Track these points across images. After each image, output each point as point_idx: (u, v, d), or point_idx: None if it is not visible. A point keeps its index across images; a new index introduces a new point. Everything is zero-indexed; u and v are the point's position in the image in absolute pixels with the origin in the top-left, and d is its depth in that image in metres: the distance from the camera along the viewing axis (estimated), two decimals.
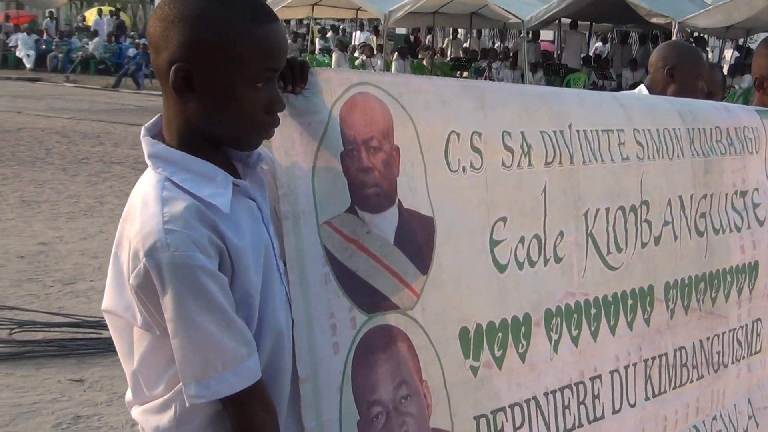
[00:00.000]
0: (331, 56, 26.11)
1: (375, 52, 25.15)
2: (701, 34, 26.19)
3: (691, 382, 3.10)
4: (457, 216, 2.29)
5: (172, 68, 1.82)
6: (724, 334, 3.26)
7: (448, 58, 28.56)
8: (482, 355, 2.34)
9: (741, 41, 26.29)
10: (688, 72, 4.20)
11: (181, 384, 1.82)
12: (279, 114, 1.93)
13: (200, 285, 1.76)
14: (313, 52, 28.91)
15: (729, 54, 26.58)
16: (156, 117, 1.96)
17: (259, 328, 1.89)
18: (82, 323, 6.17)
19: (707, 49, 25.80)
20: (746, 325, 3.40)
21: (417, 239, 2.18)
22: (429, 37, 31.16)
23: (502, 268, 2.40)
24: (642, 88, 4.35)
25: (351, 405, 2.02)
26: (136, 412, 1.96)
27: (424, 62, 26.59)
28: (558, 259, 2.57)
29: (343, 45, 26.72)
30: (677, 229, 3.02)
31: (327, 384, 1.98)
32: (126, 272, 1.81)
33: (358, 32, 30.27)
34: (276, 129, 1.95)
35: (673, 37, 19.65)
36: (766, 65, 3.82)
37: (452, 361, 2.26)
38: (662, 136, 2.98)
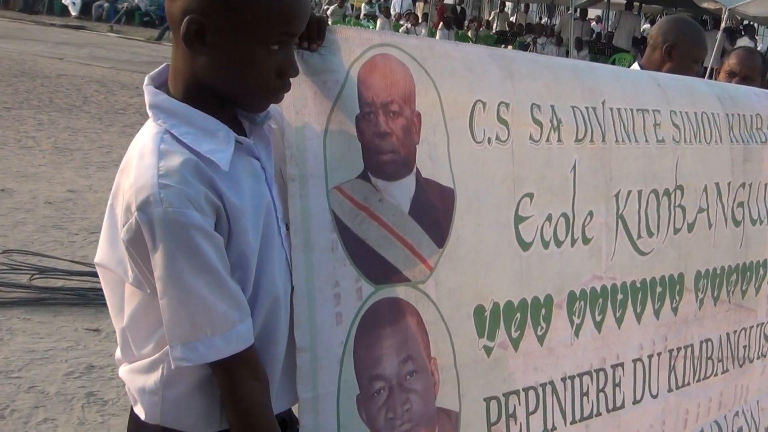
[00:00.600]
0: (375, 22, 25.88)
1: (420, 20, 24.88)
2: (750, 22, 25.72)
3: (716, 375, 2.99)
4: (481, 189, 2.19)
5: (185, 19, 1.72)
6: (751, 328, 3.16)
7: (494, 31, 28.23)
8: (498, 335, 2.24)
9: None
10: (688, 53, 4.06)
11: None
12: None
13: (193, 244, 1.67)
14: (358, 17, 28.70)
15: None
16: (162, 66, 1.87)
17: (254, 293, 1.80)
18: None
19: (756, 37, 25.33)
20: None
21: (434, 210, 2.08)
22: (476, 8, 30.84)
23: (526, 246, 2.30)
24: (635, 66, 4.22)
25: (351, 378, 1.93)
26: (123, 371, 1.90)
27: (469, 34, 26.28)
28: (586, 240, 2.46)
29: (389, 11, 26.44)
30: (712, 217, 2.90)
31: (326, 355, 1.90)
32: (119, 225, 1.73)
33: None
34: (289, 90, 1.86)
35: (722, 24, 19.29)
36: None
37: (464, 339, 2.16)
38: (700, 119, 2.86)
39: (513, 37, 25.84)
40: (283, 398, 1.89)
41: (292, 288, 1.87)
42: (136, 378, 1.85)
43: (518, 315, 2.29)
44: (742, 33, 25.39)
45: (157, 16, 30.07)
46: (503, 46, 25.23)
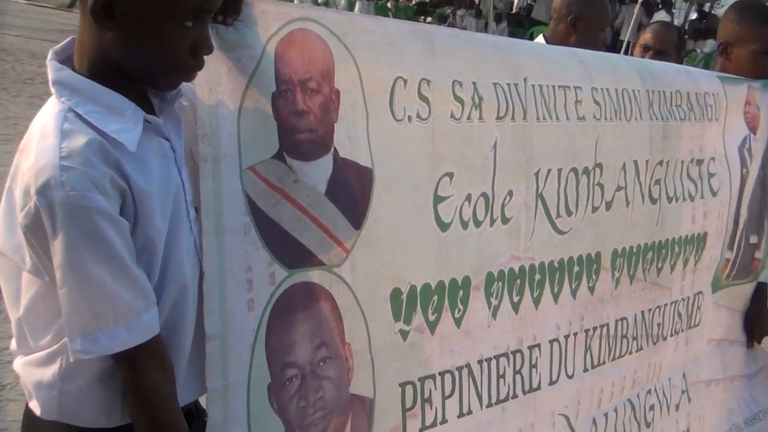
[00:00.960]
0: None
1: None
2: None
3: (630, 354, 3.00)
4: (400, 168, 2.12)
5: None
6: (666, 305, 3.17)
7: (413, 2, 27.94)
8: (414, 318, 2.19)
9: (708, 6, 26.07)
10: (593, 23, 4.06)
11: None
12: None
13: (96, 229, 1.57)
14: None
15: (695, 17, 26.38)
16: (67, 40, 1.76)
17: (161, 280, 1.72)
18: None
19: (673, 10, 25.56)
20: (688, 297, 3.32)
21: (352, 191, 2.01)
22: None
23: (444, 227, 2.24)
24: (540, 39, 4.20)
25: (263, 366, 1.86)
26: (18, 364, 1.79)
27: (388, 5, 25.99)
28: (505, 220, 2.42)
29: None
30: (630, 195, 2.89)
31: (237, 342, 1.82)
32: (17, 209, 1.62)
33: None
34: None
35: None
36: (732, 30, 3.66)
37: (380, 323, 2.11)
38: (621, 96, 2.83)
39: (432, 8, 25.66)
40: (190, 389, 1.82)
41: (202, 274, 1.78)
42: (32, 371, 1.75)
43: (435, 297, 2.24)
44: (659, 6, 25.64)
45: None
46: (422, 17, 25.10)
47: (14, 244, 1.67)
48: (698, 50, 21.38)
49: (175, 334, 1.76)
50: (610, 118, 2.77)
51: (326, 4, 23.27)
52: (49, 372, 1.72)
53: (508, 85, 2.42)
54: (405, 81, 2.12)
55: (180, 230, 1.75)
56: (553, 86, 2.57)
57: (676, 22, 23.40)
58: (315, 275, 1.94)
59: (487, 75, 2.36)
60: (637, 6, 18.84)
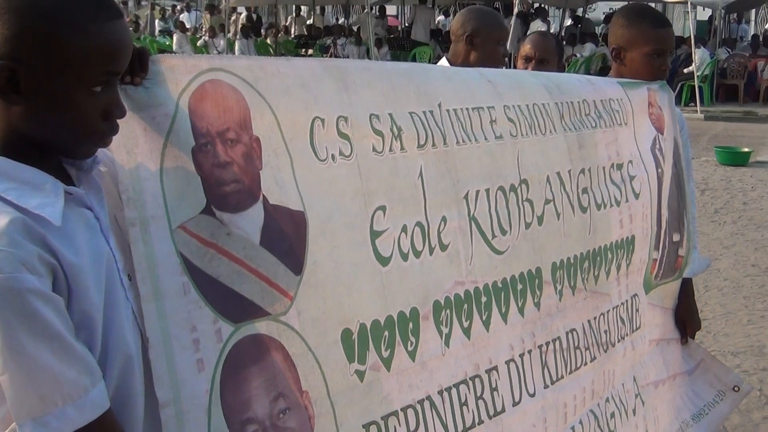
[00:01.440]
0: (172, 38, 25.35)
1: (217, 32, 24.52)
2: (542, 5, 26.65)
3: (585, 364, 2.99)
4: (332, 209, 2.08)
5: None
6: (608, 312, 3.18)
7: (292, 36, 28.19)
8: (368, 357, 2.14)
9: (580, 11, 26.90)
10: (488, 37, 4.11)
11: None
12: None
13: (31, 310, 1.50)
14: (153, 33, 28.05)
15: (570, 23, 27.20)
16: None
17: (103, 353, 1.65)
18: None
19: (548, 19, 26.29)
20: (626, 301, 3.34)
21: (287, 237, 1.96)
22: (272, 15, 30.72)
23: (385, 261, 2.20)
24: (443, 61, 4.27)
25: (222, 427, 1.78)
26: None
27: (268, 41, 26.16)
28: (443, 247, 2.39)
29: (184, 26, 25.97)
30: (559, 207, 2.89)
31: (192, 407, 1.74)
32: None
33: (186, 14, 29.19)
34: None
35: (515, 9, 19.91)
36: (623, 35, 3.72)
37: (335, 367, 2.05)
38: (533, 111, 2.85)
39: (312, 40, 25.89)
40: None
41: (144, 341, 1.71)
42: None
43: (386, 333, 2.19)
44: (534, 16, 26.35)
45: None
46: (303, 50, 25.35)
47: None
48: (578, 54, 21.95)
49: (126, 405, 1.69)
50: (526, 133, 2.77)
51: (206, 47, 23.28)
52: None
53: (424, 113, 2.40)
54: (323, 120, 2.09)
55: (116, 300, 1.69)
56: (467, 108, 2.56)
57: (552, 30, 24.04)
58: (262, 326, 1.88)
59: (403, 105, 2.34)
60: (513, 18, 19.27)
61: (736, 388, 4.01)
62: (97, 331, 1.63)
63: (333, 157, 2.09)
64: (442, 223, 2.38)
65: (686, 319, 3.86)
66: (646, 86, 3.61)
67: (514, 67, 4.60)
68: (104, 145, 1.70)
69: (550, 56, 4.43)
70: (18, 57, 1.54)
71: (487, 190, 2.57)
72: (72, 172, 1.74)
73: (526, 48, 4.44)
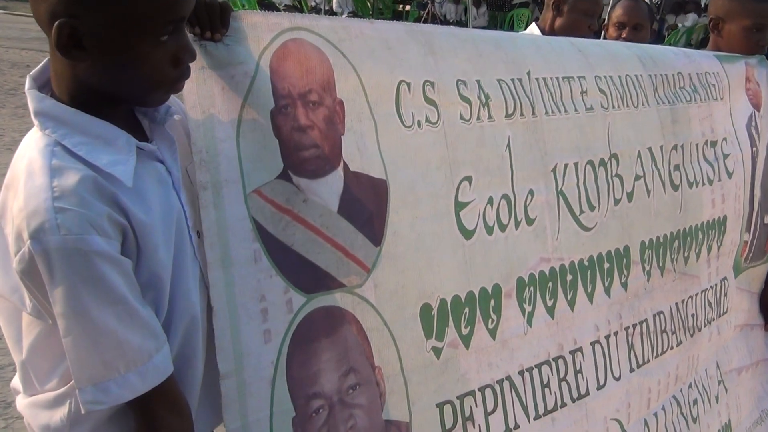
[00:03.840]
0: None
1: None
2: None
3: (671, 348, 2.87)
4: (416, 177, 2.00)
5: (55, 24, 1.46)
6: (697, 295, 3.05)
7: None
8: (447, 334, 2.05)
9: None
10: (574, 5, 3.96)
11: None
12: (195, 65, 1.62)
13: (98, 273, 1.44)
14: None
15: None
16: (44, 63, 1.62)
17: (169, 314, 1.60)
18: None
19: None
20: (716, 285, 3.20)
21: (367, 206, 1.88)
22: None
23: (468, 234, 2.11)
24: (533, 27, 4.13)
25: (285, 400, 1.73)
26: (22, 404, 1.66)
27: None
28: (530, 221, 2.29)
29: None
30: (650, 184, 2.77)
31: (255, 378, 1.69)
32: (11, 252, 1.49)
33: None
34: (191, 84, 1.64)
35: None
36: (723, 6, 3.56)
37: (411, 343, 1.97)
38: (625, 83, 2.72)
39: None
40: (204, 424, 1.71)
41: (209, 306, 1.66)
42: (39, 414, 1.62)
43: (467, 309, 2.10)
44: None
45: None
46: (401, 5, 25.07)
47: (11, 285, 1.54)
48: (679, 24, 21.33)
49: (187, 368, 1.66)
50: (618, 106, 2.66)
51: (305, 1, 23.34)
52: (57, 416, 1.60)
53: (512, 80, 2.31)
54: (409, 85, 2.01)
55: (185, 259, 1.63)
56: (557, 78, 2.46)
57: None
58: (336, 298, 1.81)
59: (490, 72, 2.25)
60: None
61: None
62: (164, 291, 1.58)
63: (419, 123, 2.01)
64: (529, 196, 2.29)
65: None
66: (744, 60, 3.46)
67: (605, 35, 4.43)
68: (176, 91, 1.63)
69: (644, 22, 4.24)
70: (77, 13, 1.46)
71: (576, 164, 2.46)
72: (145, 123, 1.68)
73: (618, 14, 4.26)
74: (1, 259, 1.55)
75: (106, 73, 1.53)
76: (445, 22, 22.81)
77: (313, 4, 23.09)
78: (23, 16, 23.82)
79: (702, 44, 20.40)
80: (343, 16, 22.79)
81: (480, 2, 23.41)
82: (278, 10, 17.84)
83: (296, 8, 23.35)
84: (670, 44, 20.15)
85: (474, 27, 21.60)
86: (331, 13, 22.87)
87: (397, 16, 24.60)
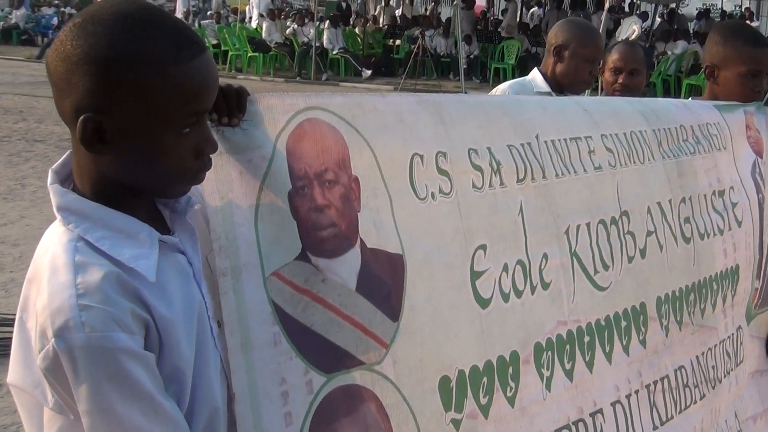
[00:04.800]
0: (261, 25, 25.54)
1: (305, 20, 24.60)
2: (633, 0, 26.18)
3: (695, 402, 2.86)
4: (431, 250, 2.00)
5: (80, 119, 1.48)
6: (715, 346, 3.05)
7: (381, 25, 28.15)
8: (466, 405, 2.05)
9: (673, 5, 26.34)
10: (575, 52, 3.97)
11: None
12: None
13: (122, 370, 1.45)
14: (243, 21, 28.26)
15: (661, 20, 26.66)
16: (65, 156, 1.63)
17: (191, 405, 1.59)
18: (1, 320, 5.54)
19: (639, 13, 25.76)
20: (732, 334, 3.20)
21: (385, 282, 1.88)
22: (360, 3, 30.72)
23: (485, 303, 2.12)
24: (535, 73, 4.15)
25: None
26: None
27: (357, 30, 26.17)
28: (545, 285, 2.30)
29: (274, 13, 26.11)
30: (662, 238, 2.78)
31: None
32: (34, 348, 1.49)
33: None
34: (210, 172, 1.66)
35: (606, 4, 19.55)
36: (718, 53, 3.56)
37: (430, 416, 1.96)
38: (630, 139, 2.75)
39: (401, 30, 25.82)
40: None
41: (230, 392, 1.66)
42: None
43: (485, 379, 2.10)
44: (625, 10, 25.92)
45: (36, 33, 29.30)
46: (392, 40, 25.24)
47: (33, 379, 1.54)
48: (669, 52, 21.49)
49: None
50: (625, 163, 2.68)
51: (294, 34, 23.45)
52: None
53: (522, 145, 2.33)
54: (422, 157, 2.02)
55: (206, 350, 1.64)
56: (565, 139, 2.48)
57: (644, 26, 23.53)
58: (355, 377, 1.81)
59: (500, 138, 2.27)
60: (604, 13, 18.93)
61: None
62: (186, 384, 1.58)
63: (433, 195, 2.03)
64: (544, 260, 2.30)
65: None
66: (742, 109, 3.47)
67: (602, 77, 4.45)
68: (198, 182, 1.65)
69: (640, 66, 4.30)
70: (101, 108, 1.48)
71: (588, 224, 2.47)
72: (165, 213, 1.69)
73: (614, 59, 4.29)
74: (23, 353, 1.55)
75: (128, 166, 1.54)
76: (435, 55, 22.94)
77: (304, 40, 23.21)
78: (15, 60, 23.91)
79: (692, 71, 20.53)
80: (334, 51, 22.95)
81: (470, 38, 23.57)
82: (269, 47, 17.97)
83: (286, 45, 23.51)
84: (660, 71, 20.29)
85: (466, 59, 21.74)
86: (322, 49, 23.02)
87: (388, 50, 24.76)
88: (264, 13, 26.24)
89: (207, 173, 1.65)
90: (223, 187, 1.69)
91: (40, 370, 1.48)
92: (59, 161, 1.63)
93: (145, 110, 1.49)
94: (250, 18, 28.27)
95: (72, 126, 1.51)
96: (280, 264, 1.72)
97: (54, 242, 1.53)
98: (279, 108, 1.78)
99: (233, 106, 1.70)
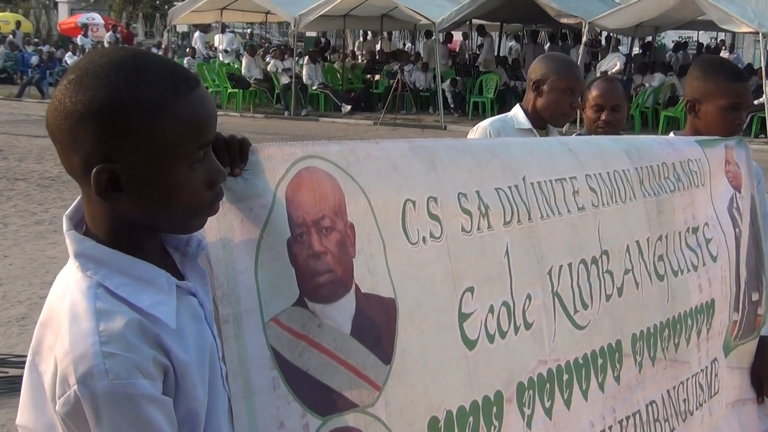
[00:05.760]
0: (240, 60, 25.66)
1: (285, 56, 24.73)
2: (611, 34, 26.48)
3: None
4: (422, 293, 2.09)
5: (93, 172, 1.53)
6: (688, 380, 3.14)
7: (360, 60, 28.33)
8: None
9: (649, 38, 26.68)
10: (554, 85, 4.07)
11: None
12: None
13: (144, 416, 1.50)
14: (209, 58, 28.34)
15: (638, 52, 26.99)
16: (77, 201, 1.68)
17: None
18: None
19: (618, 47, 26.07)
20: (706, 367, 3.29)
21: (377, 326, 1.96)
22: (340, 40, 30.91)
23: (471, 345, 2.20)
24: (517, 109, 4.22)
25: None
26: None
27: (336, 65, 26.34)
28: (528, 326, 2.39)
29: (253, 49, 26.25)
30: (638, 276, 2.87)
31: None
32: (49, 392, 1.54)
33: (219, 35, 29.04)
34: (212, 219, 1.70)
35: (583, 38, 19.81)
36: (698, 87, 3.65)
37: None
38: (613, 179, 2.83)
39: (380, 65, 25.98)
40: None
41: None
42: None
43: (471, 419, 2.18)
44: (602, 44, 26.21)
45: (14, 72, 29.26)
46: (371, 75, 25.38)
47: (44, 422, 1.58)
48: (647, 84, 21.75)
49: None
50: (607, 202, 2.76)
51: (276, 72, 23.59)
52: None
53: (509, 187, 2.40)
54: (414, 203, 2.10)
55: (217, 391, 1.69)
56: (551, 180, 2.56)
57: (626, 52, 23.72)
58: (349, 419, 1.89)
59: (489, 181, 2.35)
60: (581, 47, 19.12)
61: None
62: (200, 425, 1.63)
63: (424, 239, 2.10)
64: (527, 300, 2.38)
65: (763, 377, 3.77)
66: (723, 143, 3.56)
67: (583, 113, 4.53)
68: (213, 213, 1.68)
69: (622, 102, 4.36)
70: (113, 157, 1.52)
71: (570, 264, 2.56)
72: (176, 256, 1.73)
73: (595, 95, 4.35)
74: (35, 396, 1.59)
75: (144, 208, 1.58)
76: (414, 90, 23.09)
77: (285, 81, 23.33)
78: None
79: (670, 102, 20.78)
80: (314, 87, 23.07)
81: (456, 80, 23.74)
82: (248, 83, 17.96)
83: (266, 81, 23.63)
84: (638, 104, 20.52)
85: (444, 92, 21.92)
86: (302, 85, 23.15)
87: (367, 85, 24.91)
88: (229, 49, 26.46)
89: (210, 222, 1.70)
90: (225, 235, 1.75)
91: (59, 414, 1.52)
92: (72, 206, 1.67)
93: (156, 151, 1.54)
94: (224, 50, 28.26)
95: (82, 180, 1.55)
96: (279, 310, 1.79)
97: (72, 289, 1.57)
98: (278, 157, 1.84)
99: (235, 156, 1.76)
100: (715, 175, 3.46)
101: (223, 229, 1.75)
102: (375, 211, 2.00)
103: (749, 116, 21.29)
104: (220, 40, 28.04)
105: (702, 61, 3.87)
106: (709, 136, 3.57)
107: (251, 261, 1.77)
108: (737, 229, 3.53)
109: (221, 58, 26.34)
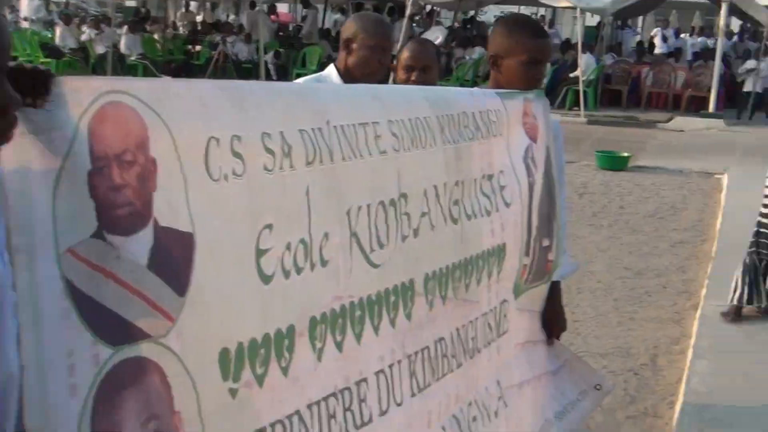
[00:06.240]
0: (54, 30, 24.79)
1: (102, 26, 24.00)
2: (434, 7, 26.95)
3: (452, 372, 3.13)
4: (221, 228, 2.14)
5: None
6: (477, 319, 3.33)
7: (182, 31, 27.82)
8: (243, 375, 2.20)
9: (472, 13, 27.30)
10: (363, 43, 4.20)
11: None
12: (15, 131, 1.69)
13: None
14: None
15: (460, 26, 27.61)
16: None
17: None
18: None
19: (440, 20, 26.55)
20: (495, 307, 3.49)
21: (174, 260, 2.00)
22: (162, 11, 30.23)
23: (267, 279, 2.27)
24: (331, 68, 4.36)
25: None
26: None
27: (156, 36, 25.80)
28: (324, 263, 2.48)
29: (68, 18, 25.36)
30: (434, 219, 3.01)
31: (60, 431, 1.77)
32: None
33: (27, 2, 27.81)
34: (9, 149, 1.70)
35: (407, 11, 20.06)
36: (501, 44, 3.89)
37: (210, 386, 2.10)
38: (415, 125, 2.95)
39: (202, 36, 25.64)
40: None
41: (23, 366, 1.73)
42: None
43: (263, 351, 2.26)
44: (428, 21, 26.68)
45: None
46: (192, 46, 25.03)
47: None
48: (467, 57, 22.29)
49: (4, 423, 1.72)
50: (408, 148, 2.88)
51: (91, 41, 22.95)
52: None
53: (313, 130, 2.47)
54: (218, 140, 2.13)
55: (5, 319, 1.71)
56: (354, 125, 2.64)
57: (443, 24, 24.19)
58: (141, 349, 1.91)
59: (294, 123, 2.41)
60: (405, 20, 19.43)
61: (598, 387, 4.26)
62: None
63: (226, 176, 2.14)
64: (324, 239, 2.47)
65: (552, 320, 4.06)
66: (523, 96, 3.77)
67: (395, 75, 4.68)
68: (5, 141, 1.67)
69: (432, 63, 4.53)
70: None
71: (369, 205, 2.66)
72: None
73: (406, 56, 4.51)
74: None
75: None
76: (237, 62, 22.92)
77: (101, 51, 22.73)
78: None
79: (488, 76, 21.38)
80: (132, 57, 22.58)
81: (279, 52, 23.67)
82: (62, 53, 17.43)
83: (81, 51, 22.98)
84: (458, 77, 21.04)
85: (267, 64, 21.84)
86: (119, 55, 22.63)
87: (188, 57, 24.55)
88: (34, 18, 25.52)
89: (7, 152, 1.69)
90: (23, 165, 1.73)
91: None
92: None
93: None
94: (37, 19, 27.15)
95: None
96: (75, 241, 1.79)
97: None
98: (84, 90, 1.83)
99: (39, 87, 1.74)
100: (513, 126, 3.65)
101: (20, 158, 1.74)
102: (178, 147, 2.03)
103: (565, 90, 22.23)
104: (29, 9, 26.94)
105: (506, 19, 4.14)
106: (510, 90, 3.77)
107: (48, 192, 1.76)
108: (531, 178, 3.74)
109: (27, 26, 25.33)
